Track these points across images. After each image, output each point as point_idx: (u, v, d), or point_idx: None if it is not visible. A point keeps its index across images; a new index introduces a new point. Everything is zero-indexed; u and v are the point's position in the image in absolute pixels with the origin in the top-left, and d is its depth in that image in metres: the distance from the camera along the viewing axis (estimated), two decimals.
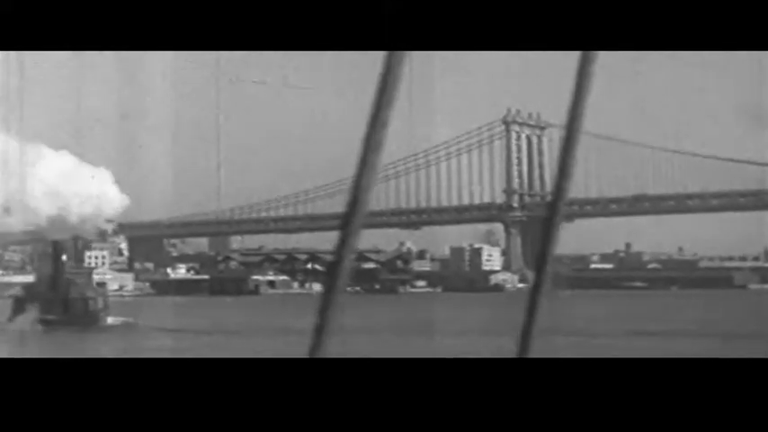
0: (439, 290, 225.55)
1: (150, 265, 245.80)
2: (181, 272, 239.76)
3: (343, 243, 4.01)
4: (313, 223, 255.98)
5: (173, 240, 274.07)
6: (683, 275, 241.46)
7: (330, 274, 4.08)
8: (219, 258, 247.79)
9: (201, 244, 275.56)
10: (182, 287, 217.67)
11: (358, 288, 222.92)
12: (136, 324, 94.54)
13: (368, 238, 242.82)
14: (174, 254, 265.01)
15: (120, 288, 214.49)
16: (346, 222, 3.98)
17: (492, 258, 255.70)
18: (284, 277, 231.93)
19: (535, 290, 4.53)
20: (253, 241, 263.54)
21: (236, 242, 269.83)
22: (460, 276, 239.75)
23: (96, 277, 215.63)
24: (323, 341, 4.14)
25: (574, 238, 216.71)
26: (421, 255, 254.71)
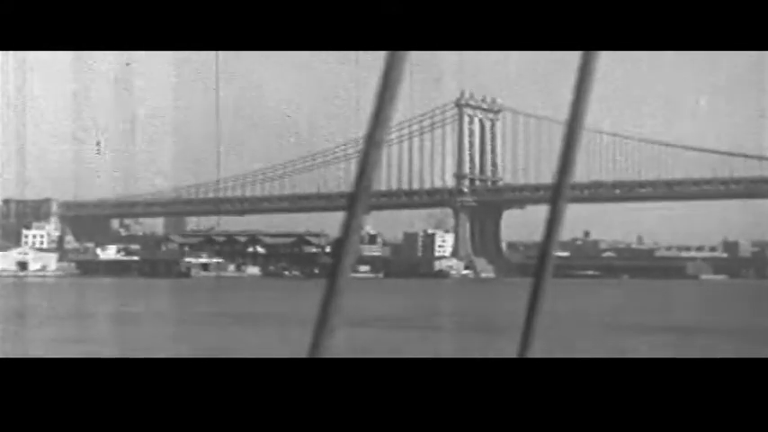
0: (381, 275, 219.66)
1: (91, 245, 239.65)
2: (110, 252, 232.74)
3: (342, 248, 3.89)
4: (262, 205, 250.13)
5: (126, 221, 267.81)
6: (636, 265, 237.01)
7: (330, 273, 3.95)
8: (162, 239, 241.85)
9: (157, 225, 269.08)
10: (110, 268, 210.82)
11: (297, 272, 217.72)
12: None
13: (316, 222, 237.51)
14: (123, 234, 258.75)
15: (43, 268, 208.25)
16: (346, 227, 3.86)
17: (445, 244, 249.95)
18: (219, 260, 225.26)
19: (536, 289, 4.48)
20: (210, 223, 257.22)
21: (192, 223, 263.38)
22: (404, 262, 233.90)
23: (18, 257, 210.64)
24: (323, 340, 4.01)
25: (532, 226, 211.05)
26: (372, 239, 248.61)
